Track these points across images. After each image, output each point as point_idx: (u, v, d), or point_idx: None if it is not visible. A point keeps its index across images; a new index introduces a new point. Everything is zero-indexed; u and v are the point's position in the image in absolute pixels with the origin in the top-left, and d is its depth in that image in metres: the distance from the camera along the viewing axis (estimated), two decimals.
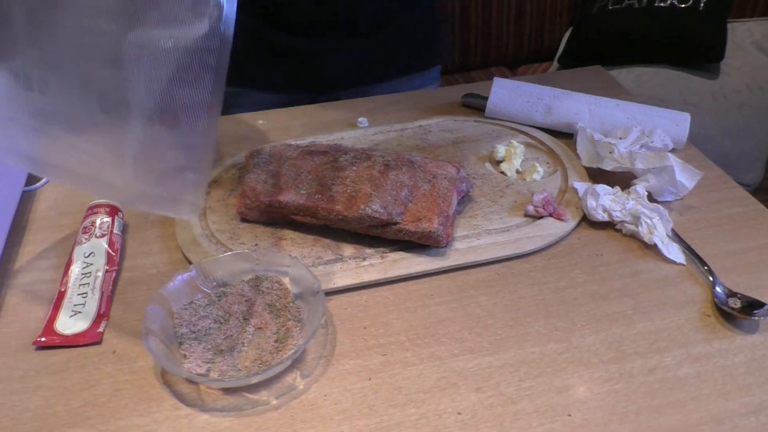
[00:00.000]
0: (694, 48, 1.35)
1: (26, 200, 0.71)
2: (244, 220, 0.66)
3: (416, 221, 0.60)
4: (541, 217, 0.65)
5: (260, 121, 0.85)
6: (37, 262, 0.63)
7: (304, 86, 0.94)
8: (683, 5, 1.34)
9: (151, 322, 0.51)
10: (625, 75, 1.39)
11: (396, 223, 0.60)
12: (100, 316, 0.56)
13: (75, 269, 0.60)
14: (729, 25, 1.37)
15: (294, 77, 0.95)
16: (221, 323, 0.55)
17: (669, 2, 1.33)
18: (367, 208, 0.60)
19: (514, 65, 1.79)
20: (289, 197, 0.62)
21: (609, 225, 0.65)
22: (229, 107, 0.90)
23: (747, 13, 1.49)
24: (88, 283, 0.59)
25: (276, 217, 0.65)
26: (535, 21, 1.71)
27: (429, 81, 1.03)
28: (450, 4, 1.62)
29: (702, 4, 1.33)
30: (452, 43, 1.68)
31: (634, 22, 1.38)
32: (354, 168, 0.64)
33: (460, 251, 0.61)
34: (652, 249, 0.62)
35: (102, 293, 0.58)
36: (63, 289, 0.58)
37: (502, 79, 0.81)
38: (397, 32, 0.94)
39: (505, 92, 0.79)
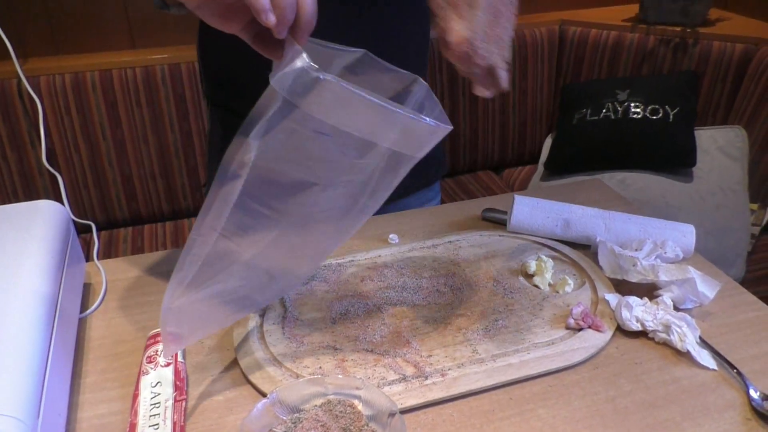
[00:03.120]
0: (668, 154, 1.49)
1: (79, 328, 0.72)
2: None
3: None
4: (581, 329, 0.70)
5: None
6: (102, 393, 0.64)
7: None
8: (654, 117, 1.49)
9: None
10: (608, 179, 1.50)
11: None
12: None
13: (143, 400, 0.61)
14: (695, 133, 1.53)
15: None
16: None
17: (642, 115, 1.48)
18: None
19: (499, 169, 1.91)
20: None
21: (642, 333, 0.70)
22: None
23: (708, 122, 1.66)
24: (159, 414, 0.60)
25: None
26: (518, 128, 1.86)
27: (432, 195, 1.08)
28: None
29: (671, 116, 1.48)
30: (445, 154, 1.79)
31: (611, 132, 1.52)
32: None
33: (514, 366, 0.65)
34: (685, 355, 0.68)
35: (174, 423, 0.59)
36: (134, 421, 0.59)
37: (522, 196, 0.88)
38: None
39: (527, 209, 0.87)
